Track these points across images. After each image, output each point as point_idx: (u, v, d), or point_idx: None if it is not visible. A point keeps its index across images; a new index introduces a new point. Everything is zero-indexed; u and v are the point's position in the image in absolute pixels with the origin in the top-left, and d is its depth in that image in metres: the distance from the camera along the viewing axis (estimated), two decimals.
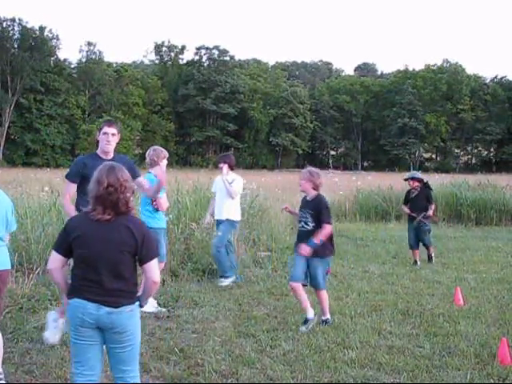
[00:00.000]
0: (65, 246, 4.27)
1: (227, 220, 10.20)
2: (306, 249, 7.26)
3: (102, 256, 4.18)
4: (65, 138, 79.99)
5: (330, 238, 7.55)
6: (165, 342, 6.77)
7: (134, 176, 6.56)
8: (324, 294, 7.62)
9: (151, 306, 8.09)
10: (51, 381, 5.51)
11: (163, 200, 8.44)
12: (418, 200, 12.57)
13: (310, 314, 7.45)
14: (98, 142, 6.86)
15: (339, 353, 6.45)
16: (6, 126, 76.69)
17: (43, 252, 9.28)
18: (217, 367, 5.93)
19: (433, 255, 12.71)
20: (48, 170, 53.85)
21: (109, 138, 6.74)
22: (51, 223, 10.68)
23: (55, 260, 4.30)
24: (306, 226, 7.48)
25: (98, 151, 6.82)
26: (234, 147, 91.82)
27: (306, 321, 7.41)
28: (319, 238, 7.25)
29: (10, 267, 5.59)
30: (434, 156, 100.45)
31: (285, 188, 24.97)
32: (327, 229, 7.32)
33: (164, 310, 8.19)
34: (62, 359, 6.02)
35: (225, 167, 10.27)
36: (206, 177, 19.15)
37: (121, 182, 4.23)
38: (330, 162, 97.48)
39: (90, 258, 4.18)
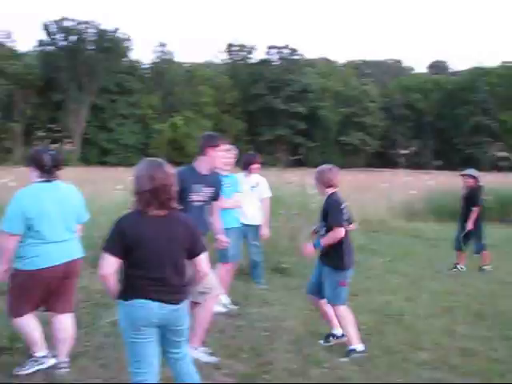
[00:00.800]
0: (120, 248, 4.19)
1: (258, 226, 9.58)
2: (308, 247, 6.60)
3: (165, 254, 4.24)
4: (137, 138, 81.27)
5: (341, 247, 6.46)
6: (235, 340, 6.82)
7: (219, 195, 6.60)
8: (340, 311, 6.51)
9: (221, 305, 8.16)
10: (124, 375, 5.62)
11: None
12: (465, 199, 11.98)
13: (336, 330, 6.71)
14: (202, 153, 6.30)
15: (410, 354, 6.38)
16: (82, 125, 78.49)
17: None
18: (287, 366, 5.95)
19: (485, 266, 11.64)
20: (121, 168, 54.81)
21: (228, 155, 6.57)
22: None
23: (111, 264, 4.20)
24: (320, 232, 6.59)
25: (200, 165, 6.33)
26: (304, 146, 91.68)
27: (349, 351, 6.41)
28: (327, 240, 6.40)
29: (81, 256, 5.78)
30: (509, 155, 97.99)
31: (354, 187, 24.79)
32: (336, 232, 6.34)
33: (236, 307, 8.26)
34: None
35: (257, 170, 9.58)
36: (275, 176, 19.18)
37: (171, 176, 4.30)
38: (401, 160, 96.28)
39: (154, 257, 4.22)
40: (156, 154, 72.90)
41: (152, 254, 4.22)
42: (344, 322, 6.48)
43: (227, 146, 6.39)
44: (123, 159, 76.50)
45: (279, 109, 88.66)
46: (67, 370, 5.63)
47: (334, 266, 6.47)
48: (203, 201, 6.31)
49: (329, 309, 6.73)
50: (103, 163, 70.56)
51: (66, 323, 5.79)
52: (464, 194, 12.05)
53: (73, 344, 5.89)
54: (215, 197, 6.53)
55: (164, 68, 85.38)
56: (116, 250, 4.19)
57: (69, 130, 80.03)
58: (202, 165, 6.32)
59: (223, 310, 8.06)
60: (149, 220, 4.24)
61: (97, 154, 78.86)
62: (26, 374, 5.51)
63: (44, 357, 5.68)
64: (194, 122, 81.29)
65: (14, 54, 79.86)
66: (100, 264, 4.23)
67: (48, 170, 5.51)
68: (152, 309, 4.22)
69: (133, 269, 4.23)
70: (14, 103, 75.75)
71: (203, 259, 4.47)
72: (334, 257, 6.46)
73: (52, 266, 5.43)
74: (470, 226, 11.77)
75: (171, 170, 4.35)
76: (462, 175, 12.19)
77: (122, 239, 4.19)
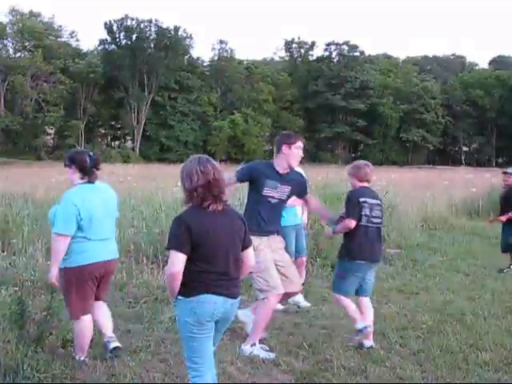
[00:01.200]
0: (188, 244, 4.19)
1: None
2: (328, 232, 7.27)
3: (228, 247, 4.30)
4: (197, 135, 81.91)
5: (350, 239, 6.64)
6: (294, 337, 6.83)
7: (303, 193, 6.74)
8: (336, 297, 6.85)
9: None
10: (184, 370, 5.67)
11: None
12: (503, 199, 11.32)
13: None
14: (278, 151, 6.45)
15: (472, 354, 6.27)
16: (143, 123, 79.56)
17: None
18: (345, 364, 5.92)
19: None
20: (181, 165, 55.34)
21: (301, 153, 6.53)
22: None
23: (181, 261, 4.19)
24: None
25: (278, 163, 6.47)
26: (364, 143, 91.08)
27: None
28: (338, 228, 6.71)
29: (117, 257, 6.12)
30: None
31: (415, 184, 24.53)
32: (346, 222, 6.56)
33: (309, 304, 8.25)
34: None
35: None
36: (335, 173, 19.11)
37: (219, 171, 4.37)
38: (463, 158, 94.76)
39: (219, 251, 4.27)
40: (215, 151, 73.45)
41: (217, 248, 4.27)
42: (342, 305, 6.76)
43: (301, 144, 6.51)
44: (183, 156, 77.33)
45: (338, 106, 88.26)
46: (116, 343, 5.85)
47: (339, 256, 6.80)
48: (279, 199, 6.42)
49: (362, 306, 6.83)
50: (163, 160, 71.36)
51: (99, 311, 5.99)
52: (502, 193, 11.54)
53: (134, 338, 6.00)
54: (299, 194, 6.71)
55: (223, 65, 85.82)
56: (184, 247, 4.19)
57: (129, 127, 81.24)
58: (280, 163, 6.45)
59: (280, 307, 8.07)
60: (210, 215, 4.28)
61: (156, 150, 79.81)
62: (89, 367, 5.63)
63: (83, 361, 5.82)
64: (254, 120, 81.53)
65: (77, 53, 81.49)
66: (169, 262, 4.23)
67: (89, 172, 5.68)
68: (216, 303, 4.27)
69: (196, 264, 4.23)
70: (77, 101, 77.23)
71: (251, 253, 4.55)
72: (342, 247, 6.77)
73: (93, 263, 5.64)
74: (502, 218, 11.20)
75: (217, 165, 4.42)
76: (504, 173, 11.47)
77: (189, 236, 4.19)
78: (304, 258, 8.86)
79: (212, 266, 4.26)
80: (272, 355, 6.16)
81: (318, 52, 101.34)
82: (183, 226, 4.22)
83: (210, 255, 4.26)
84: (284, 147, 6.41)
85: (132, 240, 10.19)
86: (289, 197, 6.59)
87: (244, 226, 4.46)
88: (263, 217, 6.40)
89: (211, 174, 4.29)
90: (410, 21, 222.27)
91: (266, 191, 6.35)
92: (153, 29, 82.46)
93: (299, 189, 6.67)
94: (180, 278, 4.21)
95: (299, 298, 8.33)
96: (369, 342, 6.57)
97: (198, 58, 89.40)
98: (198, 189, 4.26)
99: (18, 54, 79.51)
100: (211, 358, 4.45)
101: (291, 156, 6.42)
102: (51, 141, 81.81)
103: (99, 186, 5.83)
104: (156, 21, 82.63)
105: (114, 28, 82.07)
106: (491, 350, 6.42)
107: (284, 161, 6.43)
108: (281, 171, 6.44)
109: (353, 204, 6.59)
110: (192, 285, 4.25)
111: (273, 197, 6.39)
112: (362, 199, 6.55)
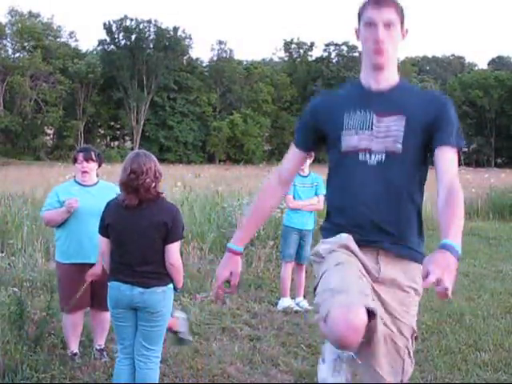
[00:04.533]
0: (104, 230, 4.59)
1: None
2: None
3: (131, 242, 4.44)
4: (196, 135, 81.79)
5: None
6: (293, 337, 6.83)
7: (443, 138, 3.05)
8: None
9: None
10: (184, 370, 5.68)
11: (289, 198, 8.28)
12: None
13: None
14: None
15: (471, 355, 6.26)
16: (142, 123, 79.42)
17: None
18: None
19: None
20: (180, 165, 55.30)
21: (380, 34, 3.09)
22: (183, 217, 11.02)
23: (103, 243, 4.63)
24: None
25: (364, 72, 3.16)
26: None
27: None
28: None
29: None
30: None
31: None
32: None
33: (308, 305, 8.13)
34: (194, 350, 6.19)
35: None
36: None
37: (142, 169, 4.42)
38: (462, 158, 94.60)
39: (121, 243, 4.49)
40: (215, 152, 73.14)
41: (120, 240, 4.59)
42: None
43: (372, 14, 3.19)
44: (182, 156, 77.24)
45: None
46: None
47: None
48: (384, 152, 3.00)
49: None
50: (162, 160, 71.10)
51: None
52: None
53: None
54: (432, 137, 3.11)
55: (222, 66, 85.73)
56: (102, 231, 4.68)
57: (129, 127, 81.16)
58: (364, 70, 3.17)
59: (281, 307, 8.08)
60: (123, 209, 4.57)
61: (156, 151, 79.70)
62: (88, 367, 5.63)
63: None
64: (253, 120, 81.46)
65: (76, 54, 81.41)
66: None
67: None
68: (122, 290, 4.54)
69: (112, 251, 4.66)
70: (77, 101, 77.15)
71: (170, 248, 4.59)
72: None
73: None
74: None
75: (148, 163, 4.50)
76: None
77: (103, 223, 4.65)
78: (303, 266, 8.60)
79: (118, 256, 4.52)
80: None
81: (317, 52, 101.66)
82: (102, 214, 4.65)
83: (115, 246, 4.56)
84: (357, 31, 3.22)
85: None
86: (407, 143, 2.99)
87: (165, 224, 4.48)
88: (339, 202, 3.15)
89: (128, 171, 4.43)
90: (409, 21, 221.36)
91: (347, 140, 3.01)
92: (152, 29, 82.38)
93: (430, 123, 2.99)
94: (107, 257, 4.64)
95: (299, 299, 8.33)
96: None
97: (197, 59, 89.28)
98: (119, 184, 4.52)
99: (17, 55, 79.34)
100: (132, 346, 4.58)
101: (364, 43, 3.11)
102: (50, 141, 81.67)
103: None
104: (155, 21, 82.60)
105: (113, 28, 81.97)
106: (490, 350, 6.42)
107: (367, 60, 3.10)
108: (373, 86, 3.05)
109: None
110: (110, 270, 4.60)
111: (366, 149, 2.97)
112: None
